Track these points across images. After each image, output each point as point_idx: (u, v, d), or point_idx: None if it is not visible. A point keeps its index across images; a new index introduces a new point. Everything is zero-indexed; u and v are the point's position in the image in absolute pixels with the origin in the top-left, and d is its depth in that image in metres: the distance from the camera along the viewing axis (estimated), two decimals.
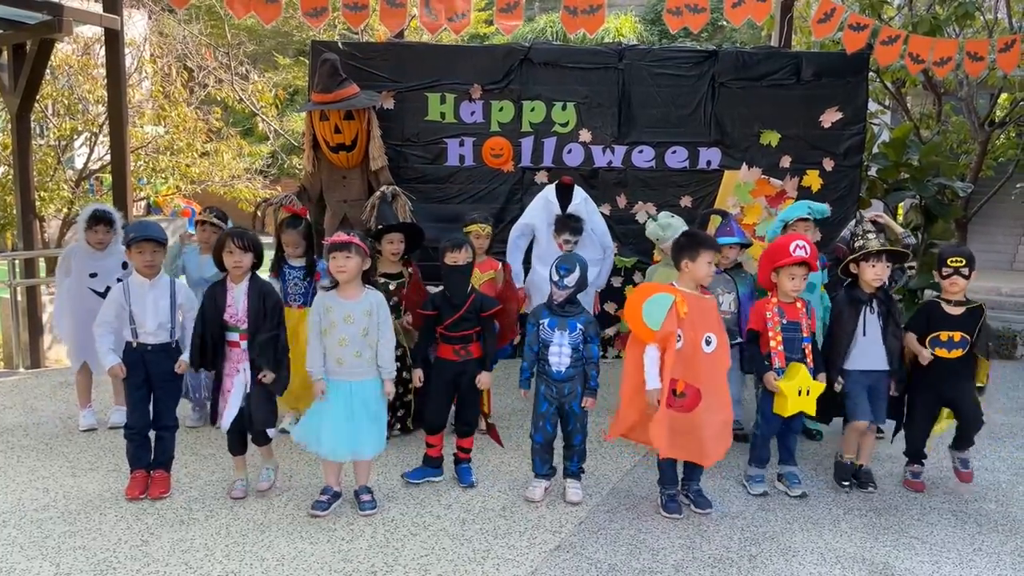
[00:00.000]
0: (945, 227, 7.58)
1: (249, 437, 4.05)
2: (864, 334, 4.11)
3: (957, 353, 4.10)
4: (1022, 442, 5.18)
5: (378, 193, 5.87)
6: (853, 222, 5.22)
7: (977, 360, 4.17)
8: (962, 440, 4.27)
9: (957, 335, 4.09)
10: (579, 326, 3.92)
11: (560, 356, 3.91)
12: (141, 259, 4.01)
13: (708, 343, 3.82)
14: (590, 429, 5.15)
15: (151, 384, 4.02)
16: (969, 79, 9.14)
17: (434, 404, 4.20)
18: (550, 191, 5.73)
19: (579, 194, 5.67)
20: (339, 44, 6.79)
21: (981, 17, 9.08)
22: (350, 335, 3.73)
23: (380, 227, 5.01)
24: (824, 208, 5.03)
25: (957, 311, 4.12)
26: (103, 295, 4.80)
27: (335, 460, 3.86)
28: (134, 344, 4.00)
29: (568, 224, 5.23)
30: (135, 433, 4.03)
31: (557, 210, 5.54)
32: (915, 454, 4.37)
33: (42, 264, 8.68)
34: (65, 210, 11.37)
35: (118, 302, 4.01)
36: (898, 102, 9.79)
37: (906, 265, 5.13)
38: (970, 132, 9.59)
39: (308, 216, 5.41)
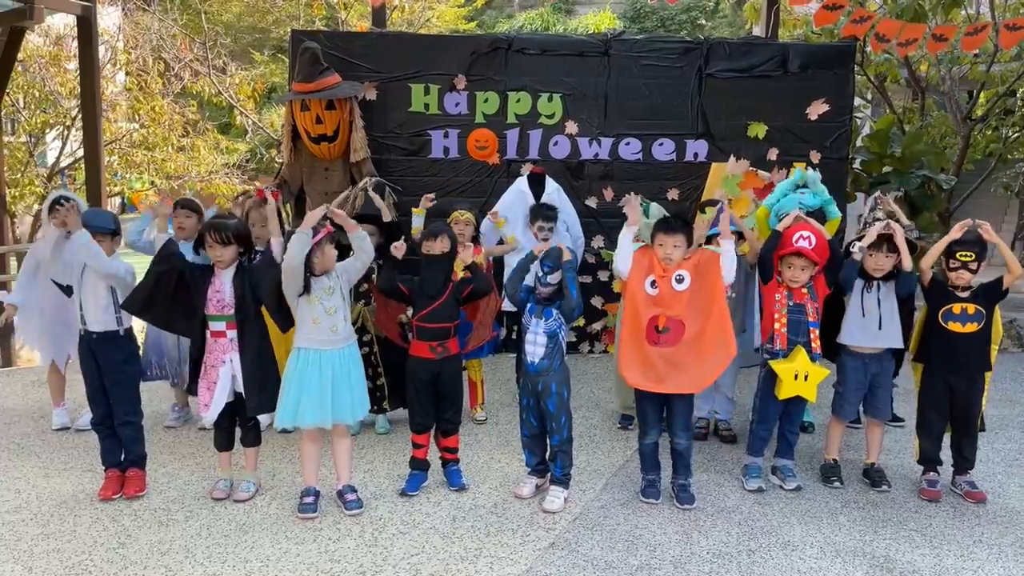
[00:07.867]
0: (930, 219, 7.58)
1: (238, 436, 3.93)
2: (863, 314, 4.02)
3: (972, 327, 3.91)
4: (1013, 434, 5.14)
5: (360, 184, 5.74)
6: (868, 206, 5.15)
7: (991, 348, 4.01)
8: (956, 445, 4.10)
9: (971, 307, 3.91)
10: (554, 312, 3.82)
11: (535, 345, 3.81)
12: None
13: (680, 281, 3.80)
14: (581, 424, 5.11)
15: (103, 375, 3.90)
16: (952, 73, 9.15)
17: (418, 409, 3.98)
18: (522, 182, 5.73)
19: (551, 184, 5.67)
20: (321, 34, 6.64)
21: (963, 12, 9.08)
22: (335, 303, 3.72)
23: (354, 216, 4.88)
24: (816, 199, 4.85)
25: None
26: (65, 290, 4.64)
27: (322, 426, 3.70)
28: (82, 331, 3.92)
29: (542, 212, 5.26)
30: (99, 425, 3.95)
31: (531, 200, 5.50)
32: (929, 460, 4.12)
33: (13, 261, 8.46)
34: (37, 206, 11.10)
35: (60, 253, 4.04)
36: (881, 96, 9.78)
37: None
38: (952, 126, 9.60)
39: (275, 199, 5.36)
